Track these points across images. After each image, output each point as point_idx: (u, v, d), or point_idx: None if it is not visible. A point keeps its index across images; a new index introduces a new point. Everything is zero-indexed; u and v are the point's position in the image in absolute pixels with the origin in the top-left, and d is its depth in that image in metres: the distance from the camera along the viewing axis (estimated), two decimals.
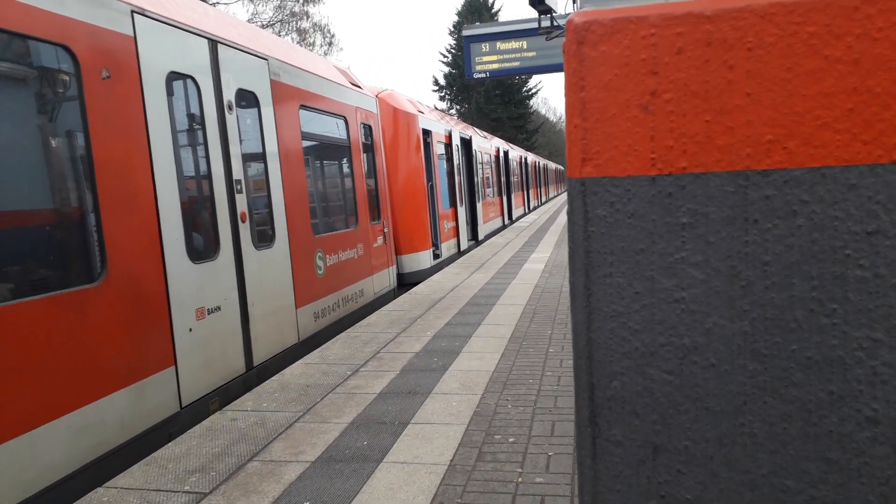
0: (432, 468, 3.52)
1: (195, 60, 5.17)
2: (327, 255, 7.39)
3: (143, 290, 4.35)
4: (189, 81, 5.13)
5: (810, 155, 1.02)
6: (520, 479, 3.36)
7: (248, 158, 5.93)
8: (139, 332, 4.29)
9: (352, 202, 8.60)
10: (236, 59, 5.77)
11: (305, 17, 25.55)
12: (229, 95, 5.58)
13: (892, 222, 1.00)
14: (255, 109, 6.11)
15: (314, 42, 25.34)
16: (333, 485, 3.38)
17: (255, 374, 5.67)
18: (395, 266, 10.07)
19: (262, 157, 6.17)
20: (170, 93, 4.80)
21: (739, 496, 1.07)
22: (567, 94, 1.10)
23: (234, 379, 5.35)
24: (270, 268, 6.07)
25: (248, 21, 28.58)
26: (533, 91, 53.77)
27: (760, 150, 1.03)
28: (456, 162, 14.89)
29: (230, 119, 5.55)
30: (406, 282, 10.79)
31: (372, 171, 9.40)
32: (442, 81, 51.30)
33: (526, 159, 32.88)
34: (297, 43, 24.41)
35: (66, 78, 3.93)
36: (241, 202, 5.61)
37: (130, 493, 3.39)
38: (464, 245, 14.91)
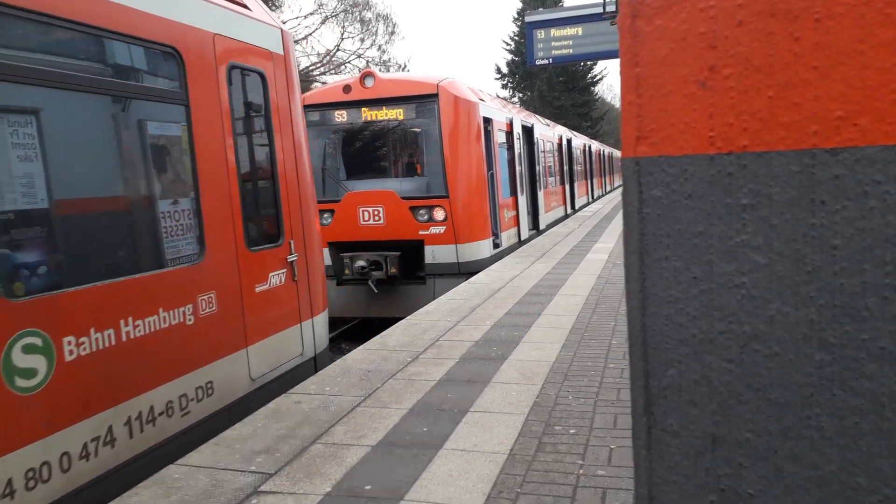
0: (492, 457, 3.52)
1: None
2: (65, 339, 3.36)
3: None
4: None
5: (885, 132, 0.95)
6: (581, 472, 3.32)
7: None
8: None
9: (186, 213, 4.44)
10: None
11: (368, 7, 25.81)
12: None
13: None
14: None
15: (377, 31, 25.59)
16: (394, 469, 3.42)
17: None
18: (322, 316, 5.96)
19: None
20: None
21: (806, 493, 1.01)
22: (622, 71, 1.07)
23: None
24: None
25: (313, 13, 28.93)
26: (598, 78, 52.66)
27: (829, 127, 0.97)
28: (517, 150, 14.76)
29: None
30: (464, 271, 10.77)
31: (262, 153, 5.33)
32: (504, 69, 50.94)
33: (590, 147, 32.29)
34: (361, 33, 24.62)
35: None
36: None
37: (200, 471, 3.54)
38: (524, 234, 14.79)
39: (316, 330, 5.84)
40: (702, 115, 1.02)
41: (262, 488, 3.30)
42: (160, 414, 3.99)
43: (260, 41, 5.30)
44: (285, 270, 5.36)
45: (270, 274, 5.17)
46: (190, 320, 4.23)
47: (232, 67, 4.87)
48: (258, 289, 4.99)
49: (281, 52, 5.56)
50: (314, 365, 5.78)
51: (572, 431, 3.81)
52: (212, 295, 4.45)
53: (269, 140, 5.37)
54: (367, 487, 3.25)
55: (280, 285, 5.28)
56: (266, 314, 5.08)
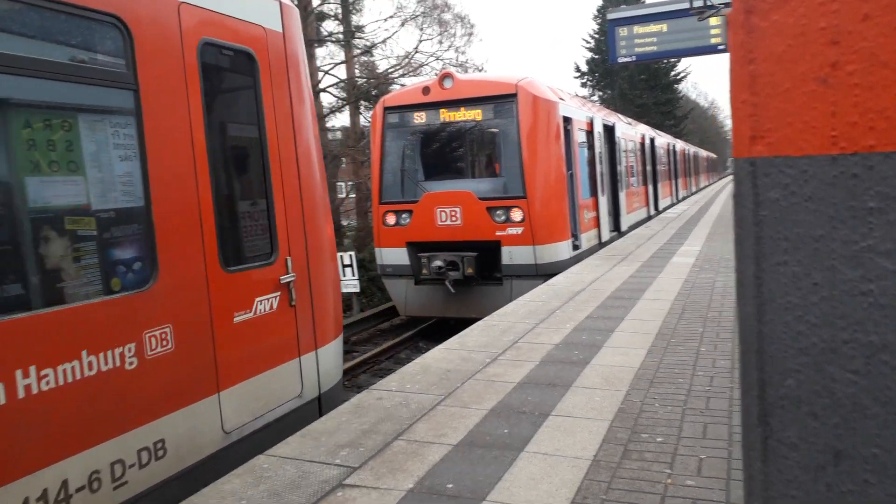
0: (574, 462, 3.47)
1: None
2: None
3: None
4: None
5: None
6: (669, 481, 3.23)
7: None
8: None
9: (125, 226, 3.57)
10: None
11: (447, 9, 25.98)
12: None
13: None
14: None
15: (455, 33, 25.75)
16: (475, 469, 3.43)
17: None
18: (332, 347, 4.98)
19: None
20: None
21: None
22: (732, 68, 1.03)
23: None
24: None
25: (393, 16, 29.41)
26: (681, 75, 51.10)
27: None
28: (597, 150, 14.50)
29: None
30: (542, 273, 10.66)
31: (248, 150, 4.49)
32: (584, 68, 50.21)
33: (674, 146, 31.34)
34: (439, 35, 24.81)
35: None
36: None
37: (288, 462, 3.66)
38: (605, 236, 14.51)
39: (322, 364, 4.79)
40: (823, 114, 0.97)
41: (347, 481, 3.39)
42: (79, 489, 3.02)
43: (249, 15, 4.31)
44: (278, 294, 4.38)
45: (257, 299, 4.21)
46: (131, 364, 3.28)
47: (206, 45, 3.94)
48: (238, 318, 4.04)
49: (279, 30, 4.56)
50: (318, 407, 4.75)
51: (659, 439, 3.70)
52: (166, 330, 3.51)
53: (259, 135, 4.38)
54: (449, 486, 3.27)
55: (270, 312, 4.31)
56: (249, 349, 4.12)
